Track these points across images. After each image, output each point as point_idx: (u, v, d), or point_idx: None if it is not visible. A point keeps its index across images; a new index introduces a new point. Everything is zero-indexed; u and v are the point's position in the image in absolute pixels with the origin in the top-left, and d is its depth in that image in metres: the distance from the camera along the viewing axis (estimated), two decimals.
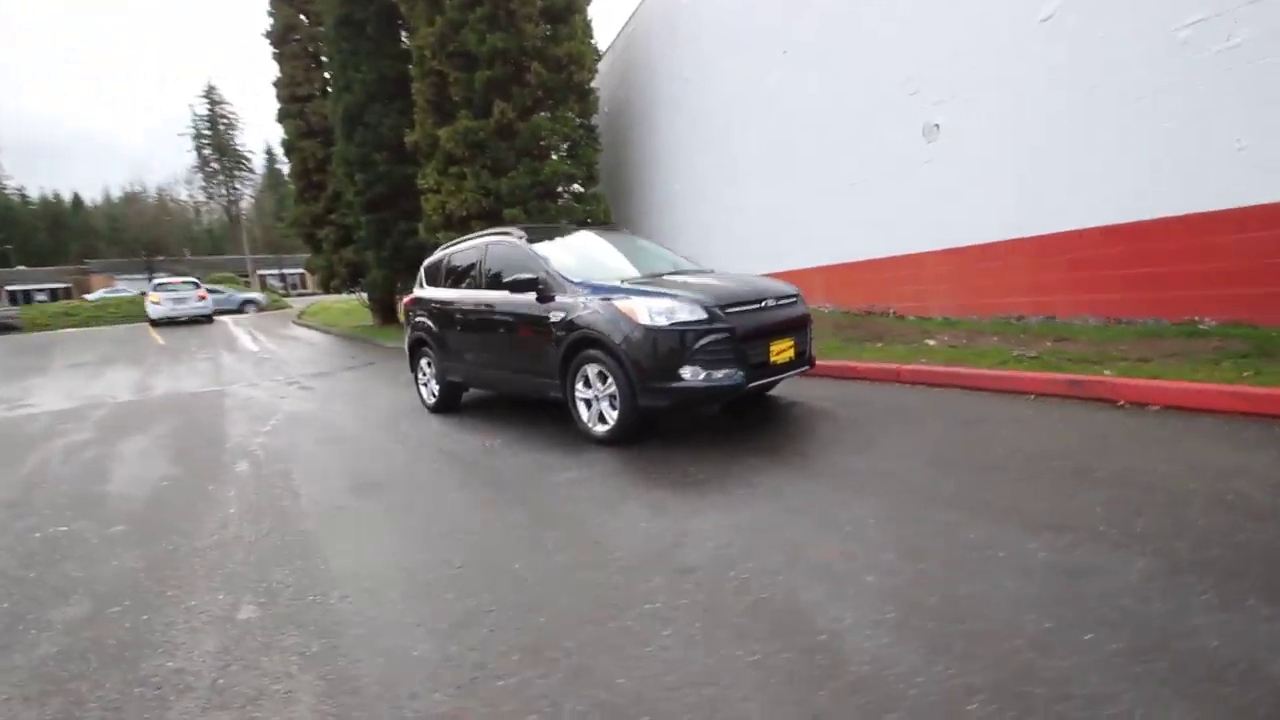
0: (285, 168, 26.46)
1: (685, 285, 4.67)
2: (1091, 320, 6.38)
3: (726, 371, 4.26)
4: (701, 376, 4.22)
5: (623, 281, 4.87)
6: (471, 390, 6.66)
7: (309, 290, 51.97)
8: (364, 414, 6.78)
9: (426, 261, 7.11)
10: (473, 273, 6.06)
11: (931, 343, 6.62)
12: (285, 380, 9.39)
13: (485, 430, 5.54)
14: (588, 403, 4.75)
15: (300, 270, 53.66)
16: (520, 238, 5.62)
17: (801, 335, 4.82)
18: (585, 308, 4.67)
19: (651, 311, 4.31)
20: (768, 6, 10.32)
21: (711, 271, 5.69)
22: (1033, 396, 4.67)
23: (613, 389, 4.50)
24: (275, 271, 57.33)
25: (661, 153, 14.27)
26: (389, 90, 16.49)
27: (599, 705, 1.87)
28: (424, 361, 6.74)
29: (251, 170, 61.65)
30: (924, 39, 7.70)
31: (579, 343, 4.68)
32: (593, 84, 13.97)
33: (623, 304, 4.46)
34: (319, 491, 4.18)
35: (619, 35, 15.54)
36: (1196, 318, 5.55)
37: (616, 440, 4.53)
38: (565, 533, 3.15)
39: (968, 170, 7.41)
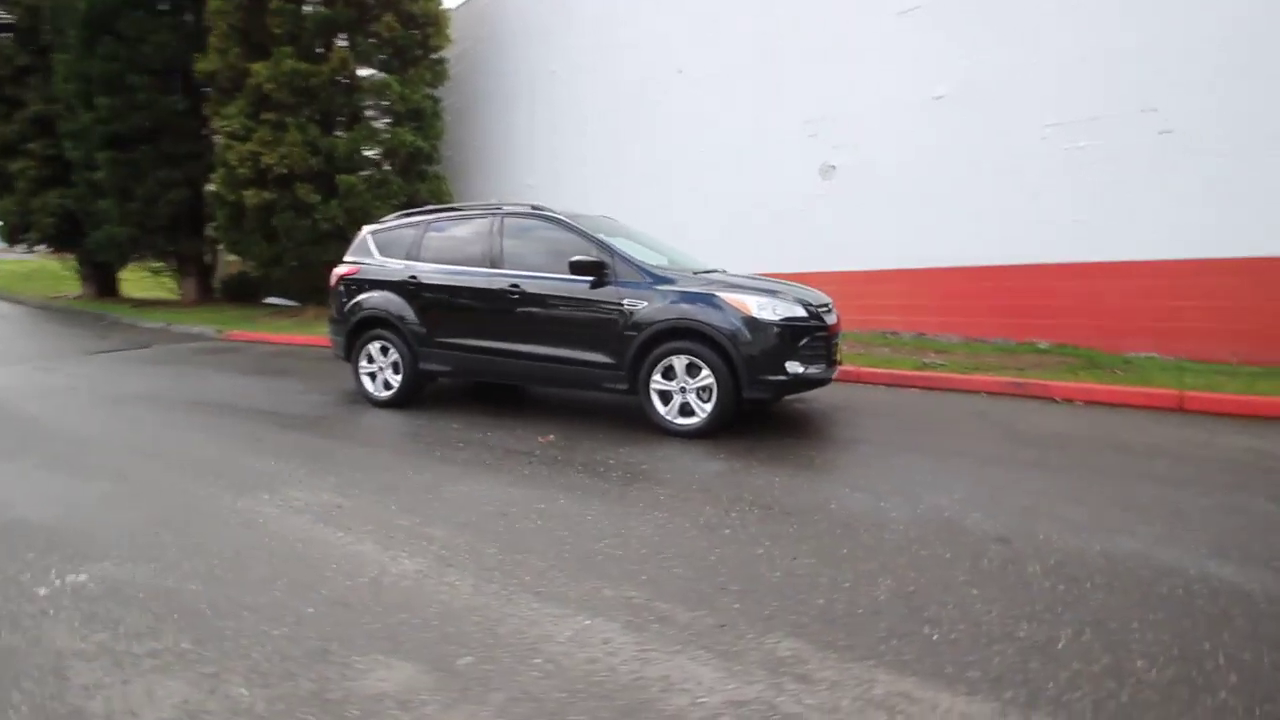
0: None
1: (760, 283, 4.86)
2: (954, 338, 8.16)
3: (820, 366, 4.58)
4: (801, 370, 4.46)
5: (694, 274, 4.91)
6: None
7: None
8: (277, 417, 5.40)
9: (375, 228, 5.98)
10: (476, 248, 5.33)
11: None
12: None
13: (490, 423, 4.95)
14: (664, 395, 4.62)
15: None
16: (558, 214, 5.16)
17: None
18: (679, 298, 4.56)
19: (761, 306, 4.42)
20: (663, 25, 10.80)
21: (723, 271, 5.92)
22: (983, 394, 5.92)
23: (706, 381, 4.47)
24: None
25: (518, 143, 13.69)
26: None
27: None
28: (375, 347, 5.64)
29: None
30: (827, 89, 8.95)
31: (668, 333, 4.54)
32: (444, 53, 12.87)
33: (731, 297, 4.48)
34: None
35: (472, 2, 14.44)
36: (1035, 340, 7.55)
37: (706, 433, 4.50)
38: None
39: (858, 209, 8.82)
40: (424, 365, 5.48)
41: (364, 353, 5.72)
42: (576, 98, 12.51)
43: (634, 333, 4.63)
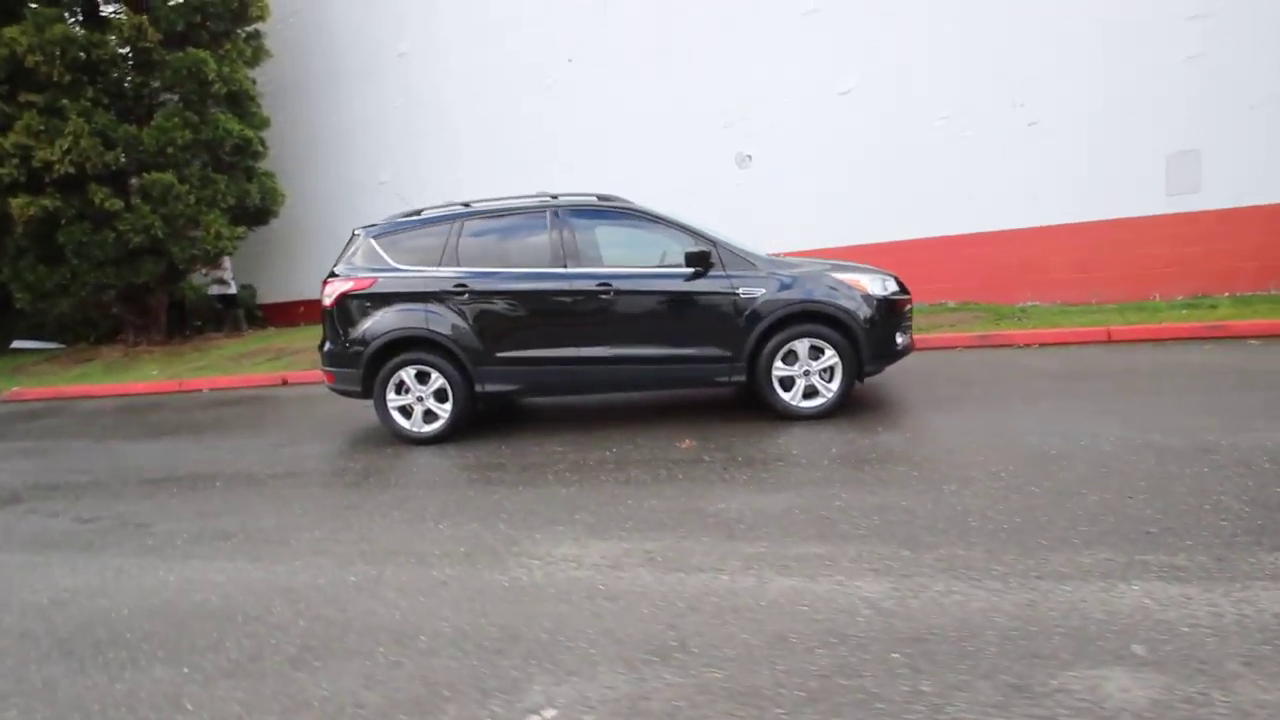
0: None
1: (849, 263, 5.04)
2: None
3: (909, 337, 4.92)
4: (902, 341, 4.77)
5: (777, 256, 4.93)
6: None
7: None
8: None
9: (379, 231, 4.90)
10: (537, 247, 4.69)
11: None
12: None
13: (574, 439, 4.50)
14: (786, 381, 4.59)
15: None
16: (633, 203, 4.76)
17: None
18: (795, 282, 4.53)
19: (873, 283, 4.61)
20: (545, 9, 10.32)
21: None
22: (958, 349, 6.85)
23: (829, 362, 4.54)
24: None
25: (361, 134, 12.06)
26: None
27: None
28: (409, 374, 4.68)
29: None
30: (738, 81, 9.41)
31: (791, 318, 4.49)
32: (261, 26, 10.78)
33: (847, 276, 4.59)
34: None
35: None
36: (944, 301, 8.88)
37: (830, 414, 4.58)
38: None
39: (774, 193, 9.45)
40: (483, 387, 4.69)
41: (392, 383, 4.70)
42: (436, 84, 11.41)
43: (753, 321, 4.51)
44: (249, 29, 10.61)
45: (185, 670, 2.10)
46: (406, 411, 4.77)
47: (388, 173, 12.11)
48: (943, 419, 4.41)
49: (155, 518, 3.66)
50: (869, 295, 4.57)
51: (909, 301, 4.91)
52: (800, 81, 9.18)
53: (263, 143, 10.83)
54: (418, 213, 5.04)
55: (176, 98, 9.43)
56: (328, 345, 4.92)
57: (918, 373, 5.78)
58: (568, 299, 4.63)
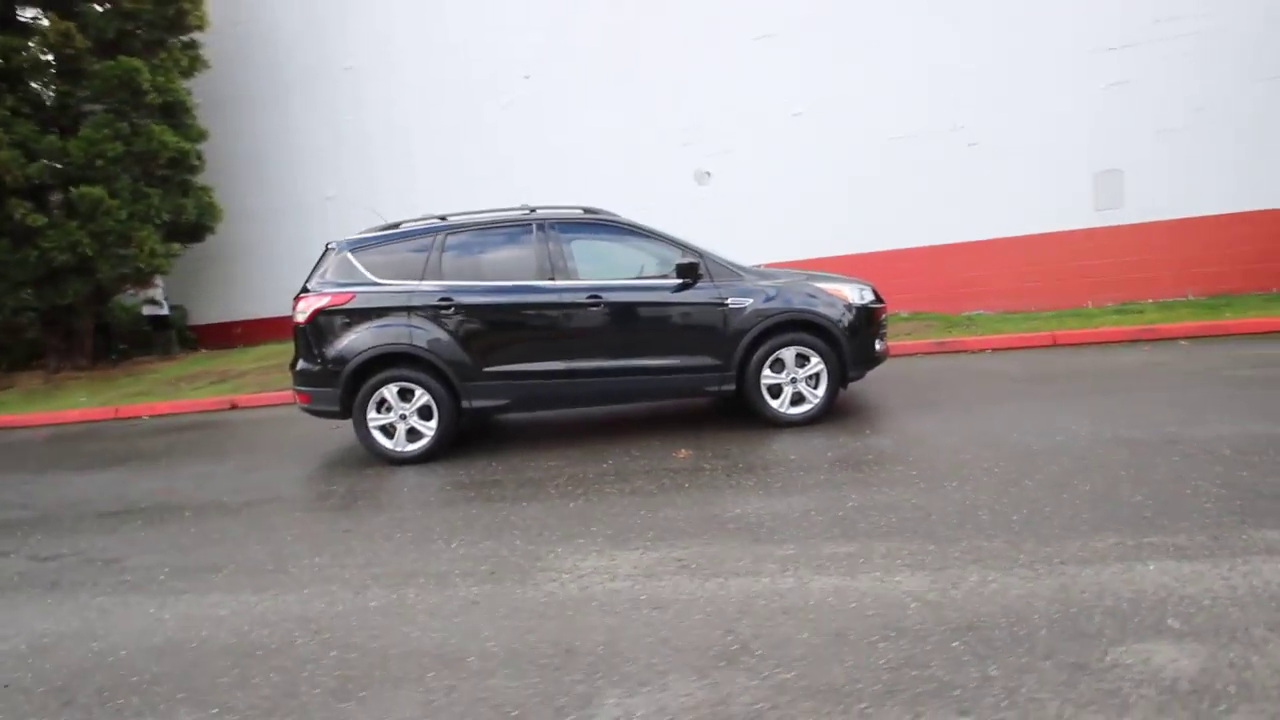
0: None
1: (821, 274, 5.19)
2: None
3: (885, 343, 5.11)
4: (879, 347, 4.96)
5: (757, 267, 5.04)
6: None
7: None
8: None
9: (355, 244, 4.71)
10: (523, 260, 4.63)
11: None
12: None
13: (563, 453, 4.45)
14: (774, 389, 4.67)
15: None
16: (618, 216, 4.77)
17: None
18: (781, 292, 4.64)
19: (853, 292, 4.78)
20: (502, 27, 10.29)
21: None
22: (919, 356, 7.16)
23: (814, 369, 4.66)
24: None
25: (305, 149, 11.64)
26: None
27: None
28: (390, 391, 4.51)
29: None
30: (696, 102, 9.62)
31: (778, 327, 4.60)
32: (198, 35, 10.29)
33: (828, 286, 4.75)
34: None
35: None
36: (897, 311, 9.25)
37: (817, 420, 4.69)
38: None
39: (731, 210, 9.67)
40: (470, 403, 4.57)
41: (373, 401, 4.52)
42: (392, 98, 11.16)
43: (741, 330, 4.59)
44: (185, 38, 10.10)
45: (215, 712, 1.93)
46: (388, 430, 4.58)
47: (334, 189, 11.71)
48: (923, 421, 4.59)
49: (125, 552, 3.37)
50: (850, 304, 4.74)
51: (884, 309, 5.11)
52: (756, 103, 9.47)
53: (199, 156, 10.28)
54: (395, 226, 4.89)
55: (105, 108, 8.82)
56: (301, 364, 4.69)
57: (887, 379, 5.98)
58: (558, 312, 4.59)
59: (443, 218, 4.93)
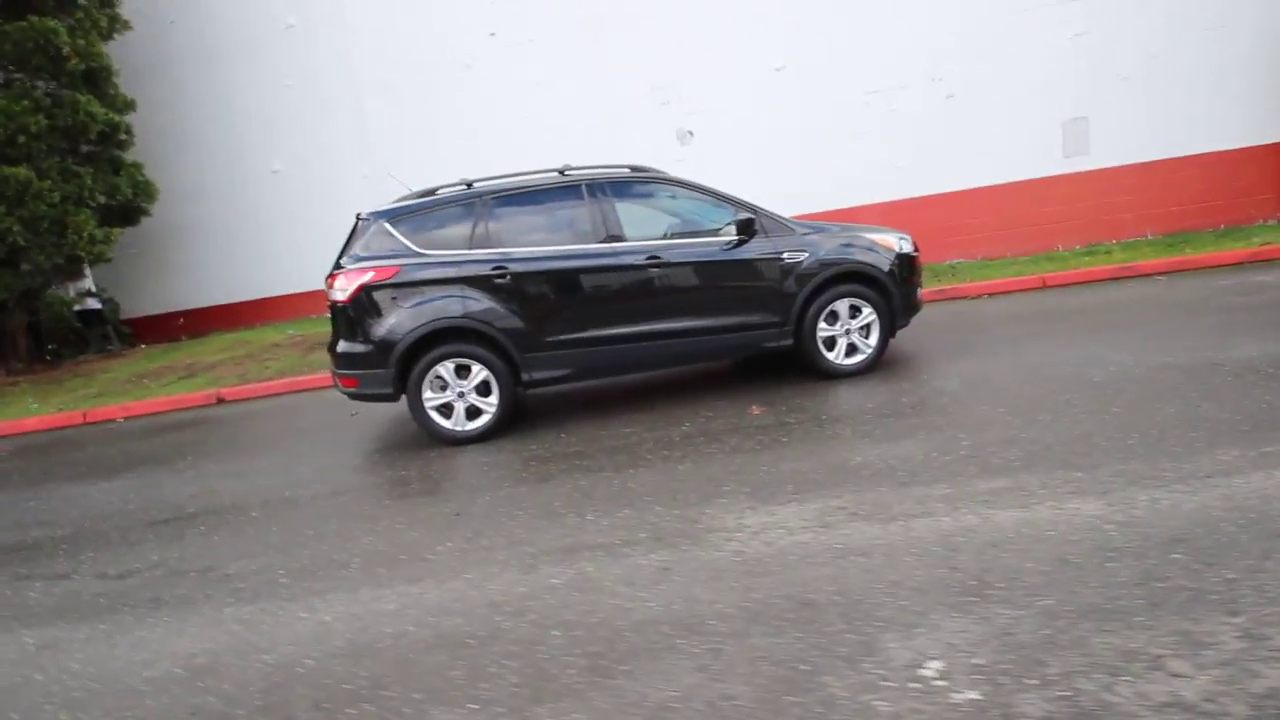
0: None
1: (861, 225, 5.25)
2: None
3: (921, 290, 5.26)
4: (919, 294, 5.10)
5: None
6: None
7: None
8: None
9: (393, 213, 4.37)
10: (575, 222, 4.45)
11: None
12: None
13: (631, 419, 4.41)
14: (828, 341, 4.73)
15: None
16: (667, 174, 4.63)
17: None
18: (833, 244, 4.67)
19: (898, 242, 4.86)
20: None
21: None
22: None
23: (866, 320, 4.74)
24: None
25: (242, 117, 10.67)
26: None
27: None
28: (446, 368, 4.27)
29: None
30: (674, 60, 9.39)
31: (834, 279, 4.64)
32: None
33: (876, 236, 4.81)
34: None
35: None
36: None
37: (870, 369, 4.80)
38: None
39: (715, 167, 9.58)
40: (530, 375, 4.40)
41: (428, 380, 4.27)
42: (342, 59, 10.31)
43: (798, 285, 4.60)
44: None
45: (473, 708, 1.81)
46: (446, 410, 4.37)
47: (280, 161, 10.84)
48: (972, 364, 4.77)
49: (213, 560, 3.07)
50: (898, 253, 4.83)
51: (920, 258, 5.24)
52: (736, 59, 9.36)
53: (128, 129, 9.24)
54: (431, 192, 4.58)
55: (22, 76, 7.74)
56: (343, 345, 4.36)
57: (906, 328, 6.22)
58: (618, 275, 4.45)
59: (469, 184, 4.66)
